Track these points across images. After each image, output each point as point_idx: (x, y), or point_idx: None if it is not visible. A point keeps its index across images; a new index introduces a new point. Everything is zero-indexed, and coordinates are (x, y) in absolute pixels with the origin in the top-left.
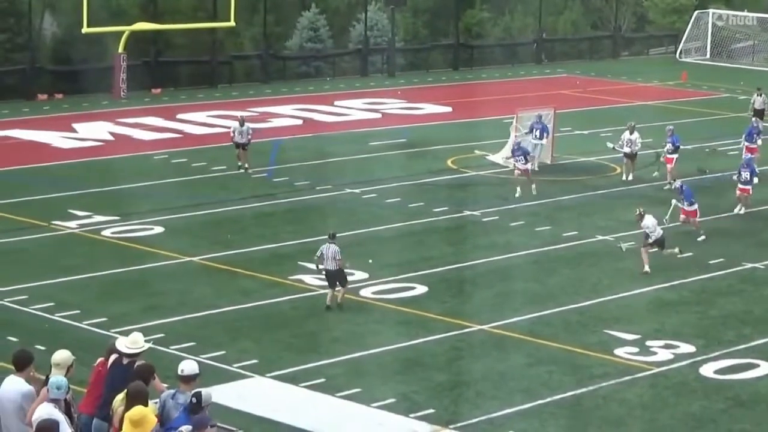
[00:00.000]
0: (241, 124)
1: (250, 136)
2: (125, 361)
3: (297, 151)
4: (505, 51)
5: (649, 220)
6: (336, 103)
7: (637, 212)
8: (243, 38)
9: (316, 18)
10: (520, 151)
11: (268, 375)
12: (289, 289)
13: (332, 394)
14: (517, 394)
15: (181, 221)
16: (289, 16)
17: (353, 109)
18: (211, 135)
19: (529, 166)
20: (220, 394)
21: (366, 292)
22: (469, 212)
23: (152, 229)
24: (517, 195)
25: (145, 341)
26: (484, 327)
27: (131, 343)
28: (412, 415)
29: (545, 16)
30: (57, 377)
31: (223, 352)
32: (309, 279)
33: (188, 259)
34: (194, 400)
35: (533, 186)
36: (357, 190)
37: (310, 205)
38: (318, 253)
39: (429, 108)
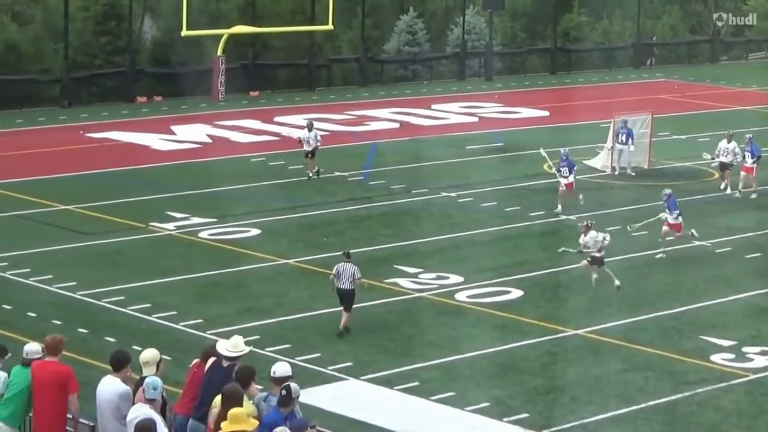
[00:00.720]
0: (309, 129)
1: (318, 143)
2: (225, 363)
3: (393, 155)
4: (603, 55)
5: (591, 235)
6: (433, 106)
7: (585, 223)
8: (341, 41)
9: (413, 21)
10: (566, 163)
11: (362, 378)
12: (385, 293)
13: (426, 398)
14: (611, 399)
15: (278, 224)
16: (387, 20)
17: (450, 112)
18: None
19: (572, 179)
20: (314, 396)
21: (461, 296)
22: (565, 217)
23: (249, 231)
24: (557, 210)
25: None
26: (579, 332)
27: (232, 346)
28: (506, 420)
29: (643, 20)
30: (153, 378)
31: (318, 355)
32: (404, 282)
33: (284, 261)
34: (284, 392)
35: (580, 196)
36: (453, 194)
37: (405, 209)
38: (334, 272)
39: (526, 112)
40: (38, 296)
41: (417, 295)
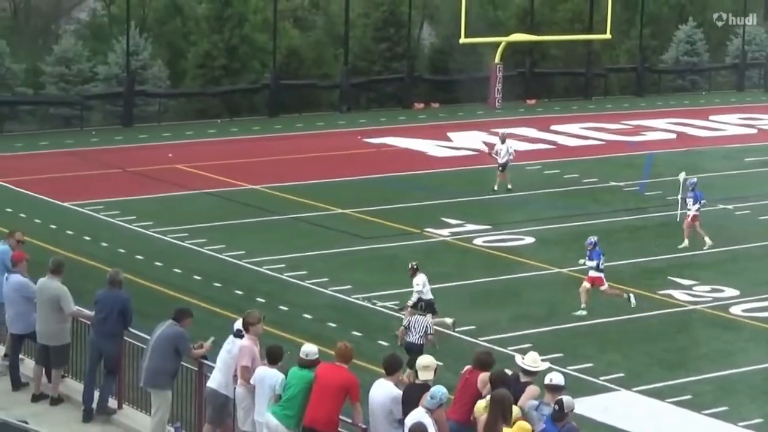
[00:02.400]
0: (502, 141)
1: (511, 157)
2: (522, 379)
3: (669, 165)
4: None
5: (420, 278)
6: (711, 117)
7: (410, 266)
8: (619, 51)
9: (692, 31)
10: (692, 195)
11: (634, 389)
12: (659, 304)
13: (698, 411)
14: None
15: (552, 232)
16: (666, 30)
17: (728, 124)
18: (584, 147)
19: (695, 212)
20: (586, 406)
21: (736, 310)
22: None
23: (523, 239)
24: (681, 245)
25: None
26: None
27: (531, 361)
28: None
29: None
30: (437, 387)
31: (590, 365)
32: (678, 294)
33: (558, 270)
34: (556, 407)
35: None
36: (730, 206)
37: (682, 220)
38: (404, 323)
39: None
40: (314, 298)
41: (691, 307)
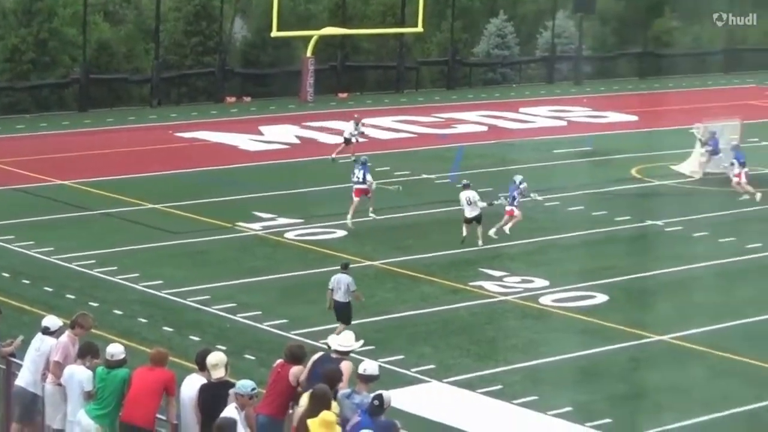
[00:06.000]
0: (357, 123)
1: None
2: (334, 356)
3: (481, 158)
4: (694, 60)
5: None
6: (521, 110)
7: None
8: (430, 44)
9: (503, 25)
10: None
11: (445, 380)
12: (469, 295)
13: (509, 401)
14: (696, 406)
15: (363, 225)
16: (477, 23)
17: (538, 116)
18: (395, 140)
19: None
20: (397, 398)
21: (546, 300)
22: (651, 222)
23: (334, 232)
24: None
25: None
26: (664, 338)
27: (344, 340)
28: (588, 424)
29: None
30: (244, 381)
31: (401, 357)
32: (489, 285)
33: (369, 263)
34: (376, 402)
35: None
36: (539, 198)
37: (492, 212)
38: (330, 285)
39: (614, 116)
40: (124, 294)
41: (501, 298)
